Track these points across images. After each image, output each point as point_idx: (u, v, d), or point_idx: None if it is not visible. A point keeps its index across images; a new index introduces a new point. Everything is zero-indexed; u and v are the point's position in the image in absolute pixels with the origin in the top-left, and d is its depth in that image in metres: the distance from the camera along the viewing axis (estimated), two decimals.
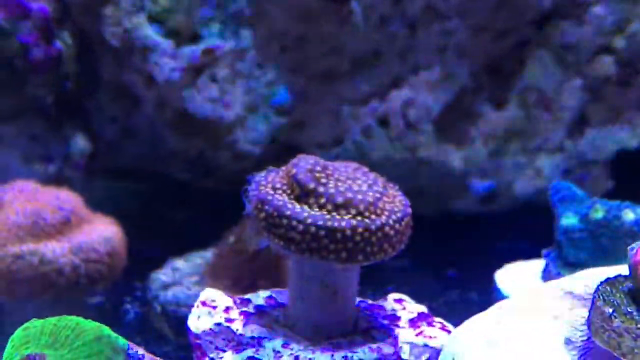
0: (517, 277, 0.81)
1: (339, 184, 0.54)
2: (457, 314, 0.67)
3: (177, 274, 0.78)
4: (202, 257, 0.82)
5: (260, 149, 0.99)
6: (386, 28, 1.00)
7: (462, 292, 0.91)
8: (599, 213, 0.73)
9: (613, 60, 1.00)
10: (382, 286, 0.92)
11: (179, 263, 0.82)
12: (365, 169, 0.58)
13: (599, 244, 0.72)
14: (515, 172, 1.04)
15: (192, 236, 1.00)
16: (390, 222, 0.53)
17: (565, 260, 0.74)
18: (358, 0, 0.96)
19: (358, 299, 0.63)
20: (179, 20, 0.96)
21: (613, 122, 1.02)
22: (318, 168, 0.55)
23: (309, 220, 0.52)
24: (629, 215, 0.72)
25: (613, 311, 0.48)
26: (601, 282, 0.51)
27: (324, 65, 1.00)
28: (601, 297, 0.49)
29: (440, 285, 0.94)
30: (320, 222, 0.52)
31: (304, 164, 0.55)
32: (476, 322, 0.54)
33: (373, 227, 0.52)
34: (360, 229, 0.52)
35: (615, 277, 0.52)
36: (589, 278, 0.54)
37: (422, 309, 0.63)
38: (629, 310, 0.47)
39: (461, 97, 1.04)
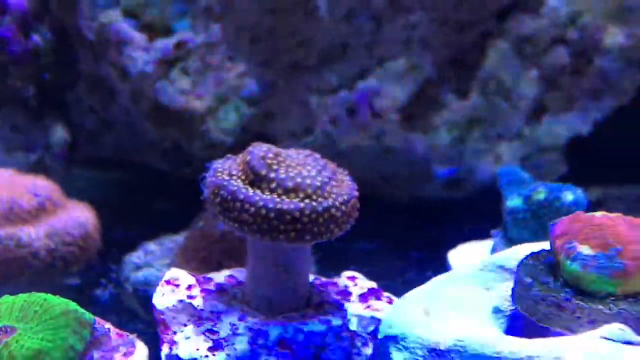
0: (468, 255, 0.86)
1: (290, 169, 0.59)
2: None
3: (149, 257, 0.83)
4: (174, 241, 0.87)
5: (232, 138, 1.03)
6: (352, 21, 1.05)
7: (420, 271, 0.96)
8: (541, 195, 0.78)
9: (567, 50, 1.05)
10: (345, 268, 0.97)
11: (152, 246, 0.86)
12: (317, 156, 0.62)
13: (541, 224, 0.77)
14: (477, 158, 1.09)
15: (169, 223, 1.05)
16: (337, 204, 0.58)
17: (510, 239, 0.80)
18: None
19: (314, 276, 0.68)
20: (152, 15, 1.00)
21: (567, 110, 1.07)
22: (270, 155, 0.59)
23: (260, 204, 0.56)
24: (568, 196, 0.77)
25: (532, 281, 0.53)
26: (526, 256, 0.56)
27: (292, 58, 1.04)
28: (523, 269, 0.54)
29: (402, 266, 0.99)
30: (271, 205, 0.56)
31: (257, 151, 0.60)
32: (415, 294, 0.59)
33: (320, 208, 0.57)
34: (307, 211, 0.57)
35: (540, 251, 0.57)
36: (520, 253, 0.59)
37: (372, 285, 0.68)
38: (546, 280, 0.53)
39: (426, 87, 1.09)
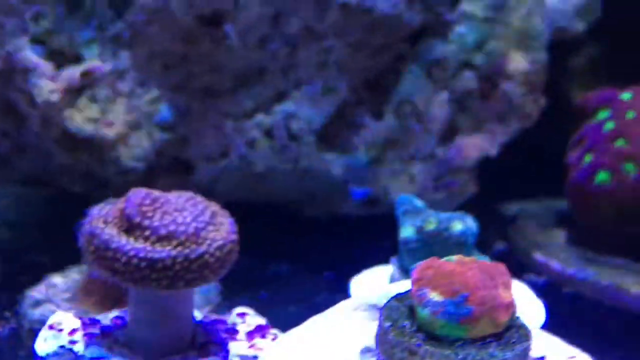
0: (369, 282, 0.89)
1: (165, 216, 0.60)
2: None
3: (51, 291, 0.83)
4: (80, 272, 0.86)
5: (144, 164, 1.03)
6: (267, 47, 1.06)
7: (331, 294, 0.98)
8: (431, 225, 0.81)
9: (474, 75, 1.09)
10: (255, 292, 0.98)
11: (56, 279, 0.86)
12: (199, 199, 0.63)
13: (432, 253, 0.79)
14: (391, 178, 1.12)
15: None
16: (211, 250, 0.59)
17: (404, 268, 0.82)
18: (233, 24, 1.01)
19: (203, 314, 0.69)
20: (61, 42, 0.99)
21: (477, 132, 1.11)
22: (147, 202, 0.60)
23: (132, 253, 0.57)
24: (457, 226, 0.80)
25: (390, 325, 0.55)
26: (391, 298, 0.59)
27: (205, 83, 1.05)
28: (385, 312, 0.57)
29: (313, 289, 1.01)
30: (142, 254, 0.57)
31: (134, 198, 0.61)
32: (292, 333, 0.61)
33: (193, 256, 0.58)
34: (179, 259, 0.58)
35: (405, 292, 0.59)
36: (391, 293, 0.61)
37: (261, 321, 0.70)
38: (404, 324, 0.55)
39: (343, 109, 1.11)
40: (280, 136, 1.10)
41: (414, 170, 1.12)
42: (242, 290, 0.97)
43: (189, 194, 0.64)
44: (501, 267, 0.55)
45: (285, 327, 0.75)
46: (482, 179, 1.14)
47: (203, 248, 0.59)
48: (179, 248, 0.58)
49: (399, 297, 0.58)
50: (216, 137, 1.07)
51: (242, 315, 0.70)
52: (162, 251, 0.58)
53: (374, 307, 0.61)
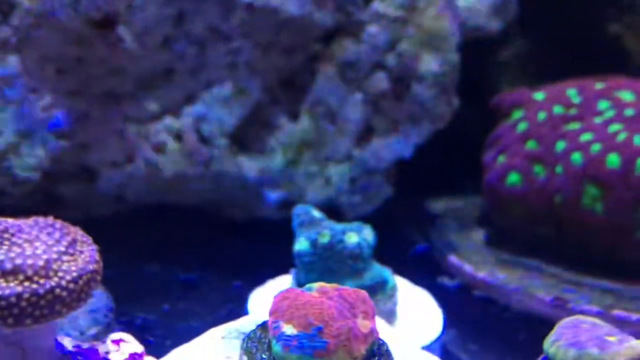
0: (268, 296, 0.86)
1: (14, 248, 0.56)
2: None
3: None
4: None
5: (39, 173, 0.98)
6: (172, 48, 1.01)
7: (236, 306, 0.95)
8: (325, 238, 0.79)
9: (386, 76, 1.07)
10: (159, 304, 0.95)
11: None
12: (58, 226, 0.60)
13: (327, 266, 0.78)
14: (307, 181, 1.09)
15: None
16: (63, 283, 0.56)
17: (299, 281, 0.80)
18: (126, 26, 0.96)
19: (74, 343, 0.66)
20: None
21: (392, 134, 1.09)
22: None
23: None
24: (352, 238, 0.78)
25: (247, 359, 0.53)
26: (256, 327, 0.56)
27: (105, 87, 1.00)
28: (244, 344, 0.54)
29: (219, 299, 0.98)
30: None
31: None
32: None
33: (41, 291, 0.55)
34: (26, 295, 0.54)
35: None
36: (259, 320, 0.59)
37: (137, 349, 0.67)
38: (263, 357, 0.53)
39: (257, 110, 1.08)
40: (190, 139, 1.07)
41: (329, 172, 1.10)
42: (144, 302, 0.94)
43: (48, 221, 0.60)
44: (363, 295, 0.53)
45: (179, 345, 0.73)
46: (411, 174, 1.12)
47: (53, 282, 0.55)
48: (26, 283, 0.54)
49: (263, 326, 0.56)
50: (119, 142, 1.03)
51: (117, 342, 0.67)
52: (7, 287, 0.54)
53: (244, 334, 0.59)
